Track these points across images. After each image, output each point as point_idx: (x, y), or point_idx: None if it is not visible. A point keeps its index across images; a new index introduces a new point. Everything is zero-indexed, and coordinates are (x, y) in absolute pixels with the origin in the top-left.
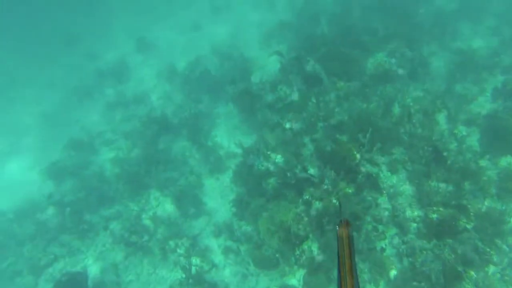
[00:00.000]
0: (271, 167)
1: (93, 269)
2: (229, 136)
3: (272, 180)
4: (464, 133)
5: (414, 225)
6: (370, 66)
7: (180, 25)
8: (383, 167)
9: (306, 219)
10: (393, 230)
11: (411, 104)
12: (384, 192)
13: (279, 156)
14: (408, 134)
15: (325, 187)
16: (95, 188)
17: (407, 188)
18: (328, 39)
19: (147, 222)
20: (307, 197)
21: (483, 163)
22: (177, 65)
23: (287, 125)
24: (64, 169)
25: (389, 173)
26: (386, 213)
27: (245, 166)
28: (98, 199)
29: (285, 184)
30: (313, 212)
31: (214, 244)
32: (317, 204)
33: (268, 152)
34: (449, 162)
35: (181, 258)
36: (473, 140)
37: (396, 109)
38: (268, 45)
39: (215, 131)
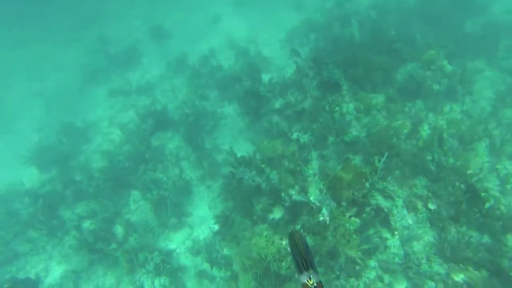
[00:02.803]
0: (263, 184)
1: (54, 274)
2: (231, 141)
3: (263, 199)
4: (511, 170)
5: (432, 284)
6: (399, 77)
7: (199, 15)
8: (399, 202)
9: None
10: (403, 284)
11: (445, 127)
12: (396, 233)
13: (274, 172)
14: (436, 163)
15: (321, 218)
16: (75, 182)
17: (427, 233)
18: (355, 42)
19: (118, 228)
20: (298, 227)
21: None
22: (188, 57)
23: (294, 136)
24: (51, 155)
25: (405, 211)
26: (396, 259)
27: (234, 179)
28: (76, 194)
29: (277, 206)
30: None
31: (190, 264)
32: (308, 240)
33: (263, 166)
34: (487, 205)
35: (149, 276)
36: None
37: (425, 131)
38: (290, 44)
39: (217, 133)
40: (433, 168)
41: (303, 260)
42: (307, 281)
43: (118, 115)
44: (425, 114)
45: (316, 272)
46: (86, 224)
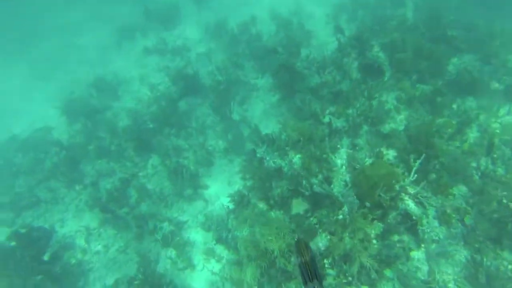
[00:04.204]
0: (285, 168)
1: (68, 226)
2: (261, 115)
3: (283, 184)
4: None
5: None
6: (452, 68)
7: None
8: (430, 211)
9: None
10: None
11: (498, 131)
12: (423, 246)
13: (298, 157)
14: (481, 172)
15: (341, 217)
16: (99, 138)
17: (459, 252)
18: (407, 25)
19: (132, 191)
20: (314, 221)
21: None
22: (228, 22)
23: (326, 119)
24: (80, 108)
25: (436, 222)
26: (418, 274)
27: (256, 157)
28: (98, 150)
29: (296, 194)
30: (313, 246)
31: (199, 239)
32: (323, 237)
33: (287, 148)
34: None
35: (157, 245)
36: None
37: (473, 134)
38: (336, 20)
39: (248, 105)
40: (476, 177)
41: (308, 270)
42: None
43: (150, 75)
44: (476, 114)
45: (320, 283)
46: (104, 182)
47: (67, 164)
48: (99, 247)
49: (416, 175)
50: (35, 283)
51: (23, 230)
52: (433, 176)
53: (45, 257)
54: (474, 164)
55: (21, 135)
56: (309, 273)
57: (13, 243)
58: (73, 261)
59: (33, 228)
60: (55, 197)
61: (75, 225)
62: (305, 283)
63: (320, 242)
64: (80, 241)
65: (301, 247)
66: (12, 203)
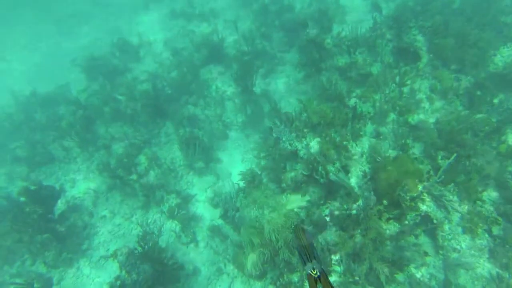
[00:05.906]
0: (302, 152)
1: (78, 187)
2: (284, 91)
3: (298, 167)
4: None
5: None
6: (499, 60)
7: None
8: (454, 217)
9: None
10: None
11: None
12: (441, 253)
13: (316, 140)
14: None
15: (354, 212)
16: (116, 100)
17: (482, 265)
18: (453, 8)
19: (142, 158)
20: (326, 212)
21: None
22: None
23: (351, 102)
24: (101, 67)
25: (460, 229)
26: (433, 283)
27: (272, 136)
28: (114, 112)
29: (310, 180)
30: (321, 240)
31: (205, 215)
32: (333, 232)
33: (305, 130)
34: None
35: (162, 217)
36: None
37: None
38: None
39: (271, 78)
40: None
41: (307, 251)
42: (311, 271)
43: (174, 39)
44: None
45: (319, 262)
46: (116, 146)
47: (83, 124)
48: (105, 212)
49: (443, 176)
50: (41, 241)
51: (33, 187)
52: (462, 177)
53: (53, 216)
54: (510, 169)
55: (42, 91)
56: (308, 255)
57: (22, 199)
58: (79, 223)
59: (42, 186)
60: (68, 156)
61: (85, 187)
62: (304, 264)
63: (329, 236)
64: (88, 204)
65: (298, 231)
66: (28, 158)
